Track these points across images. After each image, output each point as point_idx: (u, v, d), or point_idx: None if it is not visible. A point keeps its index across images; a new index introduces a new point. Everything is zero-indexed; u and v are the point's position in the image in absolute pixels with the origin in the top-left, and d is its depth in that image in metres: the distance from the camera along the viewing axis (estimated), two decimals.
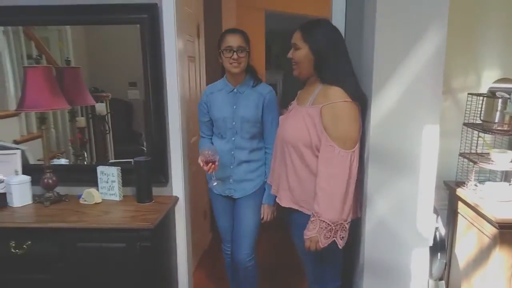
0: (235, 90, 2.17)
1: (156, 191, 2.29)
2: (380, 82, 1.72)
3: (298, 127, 1.78)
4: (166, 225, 2.23)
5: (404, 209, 1.79)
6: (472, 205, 1.98)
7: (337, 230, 1.69)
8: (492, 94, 2.04)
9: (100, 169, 2.26)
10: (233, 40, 2.07)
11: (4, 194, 2.18)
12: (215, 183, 2.18)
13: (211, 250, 3.39)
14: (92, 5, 2.19)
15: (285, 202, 1.88)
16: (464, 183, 2.16)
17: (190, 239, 2.53)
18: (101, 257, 1.96)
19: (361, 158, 1.77)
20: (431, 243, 1.83)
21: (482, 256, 1.92)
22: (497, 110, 2.00)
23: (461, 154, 2.21)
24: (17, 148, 2.35)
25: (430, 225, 1.80)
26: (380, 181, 1.78)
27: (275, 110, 2.17)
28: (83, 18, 2.25)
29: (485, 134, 2.06)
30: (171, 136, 2.32)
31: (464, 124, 2.20)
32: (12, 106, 2.45)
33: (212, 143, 2.25)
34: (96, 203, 2.21)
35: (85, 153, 2.63)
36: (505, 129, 1.98)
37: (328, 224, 1.66)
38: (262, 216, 2.22)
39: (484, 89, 2.20)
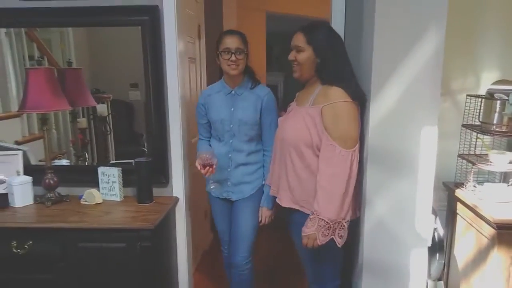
0: (233, 92, 2.15)
1: (156, 191, 2.30)
2: (379, 83, 1.73)
3: (298, 127, 1.80)
4: (166, 225, 2.24)
5: (403, 209, 1.80)
6: (471, 206, 1.99)
7: (335, 229, 1.71)
8: (490, 96, 2.05)
9: (101, 169, 2.27)
10: (231, 42, 2.05)
11: (6, 195, 2.19)
12: (212, 187, 2.18)
13: (212, 251, 3.40)
14: (94, 7, 2.20)
15: (285, 202, 1.90)
16: (463, 184, 2.16)
17: (190, 239, 2.54)
18: (102, 257, 1.97)
19: (360, 158, 1.78)
20: (429, 244, 1.84)
21: (481, 256, 1.93)
22: (495, 112, 2.00)
23: (460, 155, 2.22)
24: (19, 149, 2.36)
25: (428, 225, 1.82)
26: (379, 181, 1.80)
27: (273, 112, 2.15)
28: (85, 20, 2.26)
29: (484, 136, 2.07)
30: (171, 137, 2.33)
31: (463, 125, 2.21)
32: (14, 107, 2.46)
33: (210, 145, 2.23)
34: (97, 204, 2.22)
35: (86, 154, 2.65)
36: (504, 130, 1.99)
37: (327, 222, 1.68)
38: (260, 219, 2.20)
39: (483, 91, 2.21)
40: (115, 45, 2.52)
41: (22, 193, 2.20)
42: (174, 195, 2.37)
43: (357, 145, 1.73)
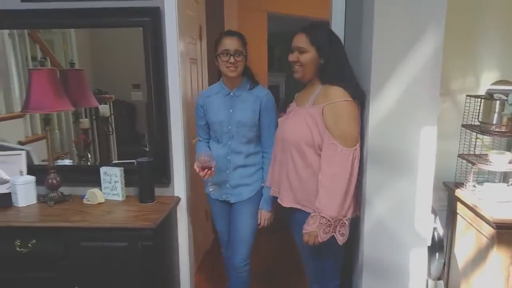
0: (231, 93, 2.13)
1: (158, 191, 2.31)
2: (378, 83, 1.74)
3: (299, 127, 1.81)
4: (168, 225, 2.25)
5: (403, 209, 1.81)
6: (471, 205, 2.00)
7: (336, 226, 1.73)
8: (490, 96, 2.05)
9: (103, 169, 2.29)
10: (230, 43, 2.01)
11: (9, 194, 2.22)
12: (211, 189, 2.17)
13: (213, 251, 3.40)
14: (95, 8, 2.22)
15: (286, 202, 1.91)
16: (463, 184, 2.17)
17: (192, 239, 2.55)
18: (104, 256, 1.99)
19: (360, 158, 1.80)
20: (429, 243, 1.85)
21: (481, 256, 1.94)
22: (495, 112, 2.01)
23: (460, 156, 2.23)
24: (22, 149, 2.38)
25: (428, 225, 1.83)
26: (378, 181, 1.81)
27: (272, 113, 2.13)
28: (87, 22, 2.28)
29: (484, 136, 2.07)
30: (173, 137, 2.34)
31: (463, 125, 2.22)
32: (17, 107, 2.48)
33: (209, 147, 2.21)
34: (99, 203, 2.23)
35: (89, 154, 2.66)
36: (503, 130, 2.00)
37: (328, 220, 1.70)
38: (259, 222, 2.18)
39: (482, 91, 2.21)
40: (117, 46, 2.53)
41: (26, 193, 2.21)
42: (176, 195, 2.39)
43: (358, 144, 1.75)
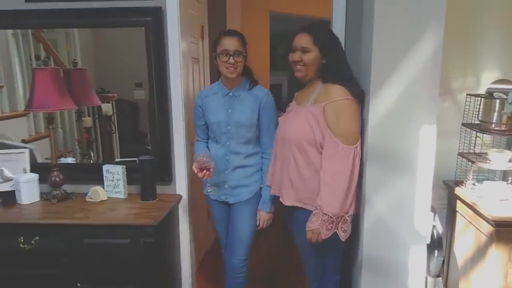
0: (230, 93, 2.11)
1: (160, 189, 2.33)
2: (378, 82, 1.76)
3: (301, 126, 1.83)
4: (169, 222, 2.27)
5: (402, 207, 1.83)
6: (470, 204, 2.00)
7: (338, 223, 1.76)
8: (490, 95, 2.06)
9: (105, 167, 2.31)
10: (229, 44, 1.99)
11: (13, 192, 2.24)
12: (210, 190, 2.16)
13: (214, 250, 3.41)
14: (98, 8, 2.24)
15: (288, 201, 1.92)
16: (463, 182, 2.18)
17: (193, 237, 2.57)
18: (106, 253, 2.01)
19: (360, 156, 1.81)
20: (428, 241, 1.86)
21: (480, 253, 1.95)
22: (494, 111, 2.01)
23: (460, 154, 2.23)
24: (26, 147, 2.40)
25: (427, 223, 1.84)
26: (378, 180, 1.82)
27: (272, 113, 2.11)
28: (90, 21, 2.30)
29: (483, 134, 2.08)
30: (174, 135, 2.36)
31: (463, 124, 2.22)
32: (21, 106, 2.51)
33: (207, 147, 2.20)
34: (101, 201, 2.25)
35: (92, 152, 2.69)
36: (503, 129, 2.00)
37: (330, 217, 1.73)
38: (258, 223, 2.16)
39: (483, 90, 2.21)
40: (120, 45, 2.55)
41: (29, 190, 2.23)
42: (177, 193, 2.41)
43: (359, 142, 1.78)
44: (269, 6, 5.43)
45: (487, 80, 2.23)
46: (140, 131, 2.73)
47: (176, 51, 2.27)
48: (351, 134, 1.75)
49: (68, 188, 2.35)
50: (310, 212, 1.82)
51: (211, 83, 3.25)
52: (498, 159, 2.01)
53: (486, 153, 2.10)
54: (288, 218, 2.02)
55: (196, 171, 2.02)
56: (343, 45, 2.13)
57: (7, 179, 2.28)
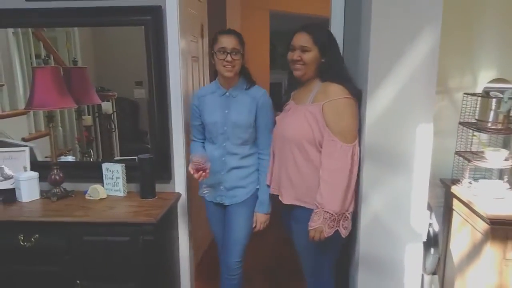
0: (227, 93, 2.08)
1: (159, 187, 2.34)
2: (375, 81, 1.77)
3: (300, 125, 1.85)
4: (168, 220, 2.28)
5: (399, 205, 1.85)
6: (466, 202, 2.02)
7: (340, 220, 1.78)
8: (486, 94, 2.08)
9: (105, 166, 2.32)
10: (227, 41, 1.97)
11: (13, 190, 2.25)
12: (206, 191, 2.12)
13: (213, 248, 3.40)
14: (98, 7, 2.25)
15: (287, 199, 1.94)
16: (459, 180, 2.20)
17: (192, 235, 2.58)
18: (106, 250, 2.02)
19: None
20: (424, 239, 1.88)
21: (475, 251, 1.96)
22: (491, 110, 2.03)
23: (457, 153, 2.25)
24: (26, 146, 2.41)
25: (423, 221, 1.86)
26: (375, 178, 1.84)
27: (269, 113, 2.08)
28: (90, 20, 2.31)
29: (480, 133, 2.10)
30: (174, 134, 2.37)
31: (460, 123, 2.24)
32: (21, 105, 2.53)
33: (204, 148, 2.18)
34: (101, 199, 2.27)
35: (91, 151, 2.70)
36: (499, 128, 2.02)
37: (332, 214, 1.75)
38: (254, 225, 2.13)
39: (480, 89, 2.23)
40: (120, 44, 2.56)
41: (29, 188, 2.24)
42: (176, 191, 2.42)
43: (357, 140, 1.80)
44: (269, 4, 5.44)
45: (484, 79, 2.24)
46: (140, 130, 2.74)
47: (175, 50, 2.28)
48: (349, 133, 1.78)
49: (68, 186, 2.36)
50: (308, 210, 1.84)
51: (210, 81, 3.26)
52: (494, 158, 2.03)
53: (482, 151, 2.11)
54: (286, 216, 2.03)
55: (192, 172, 2.00)
56: (341, 44, 2.15)
57: (8, 177, 2.30)
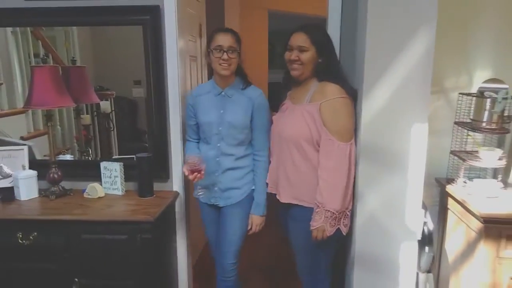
0: (223, 93, 2.04)
1: (157, 186, 2.35)
2: (371, 81, 1.80)
3: (298, 124, 1.87)
4: (166, 218, 2.29)
5: (394, 204, 1.87)
6: (460, 201, 2.04)
7: (340, 218, 1.81)
8: (481, 94, 2.10)
9: (103, 164, 2.33)
10: (223, 40, 1.94)
11: (11, 188, 2.26)
12: (200, 193, 2.11)
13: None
14: (96, 7, 2.26)
15: (285, 198, 1.96)
16: (454, 180, 2.22)
17: (190, 233, 2.59)
18: (104, 248, 2.03)
19: None
20: (419, 237, 1.90)
21: (469, 249, 1.98)
22: (485, 110, 2.05)
23: (452, 152, 2.27)
24: (24, 144, 2.42)
25: (418, 219, 1.88)
26: (370, 177, 1.86)
27: (265, 114, 2.06)
28: (88, 20, 2.32)
29: (475, 133, 2.12)
30: (172, 133, 2.38)
31: (455, 122, 2.26)
32: (20, 103, 2.53)
33: (198, 148, 2.15)
34: (99, 197, 2.27)
35: (90, 150, 2.70)
36: (493, 127, 2.04)
37: (333, 213, 1.78)
38: (249, 227, 2.11)
39: (475, 89, 2.24)
40: (119, 43, 2.56)
41: (27, 187, 2.25)
42: (174, 189, 2.42)
43: (353, 138, 1.83)
44: (267, 4, 5.45)
45: (479, 79, 2.25)
46: (138, 129, 2.74)
47: (173, 49, 2.29)
48: (346, 131, 1.81)
49: (66, 184, 2.37)
50: (306, 209, 1.87)
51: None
52: (489, 157, 2.05)
53: (477, 151, 2.13)
54: (284, 215, 2.05)
55: (186, 173, 1.98)
56: (338, 44, 2.17)
57: (6, 176, 2.31)
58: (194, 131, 2.17)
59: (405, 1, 1.73)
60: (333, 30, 2.20)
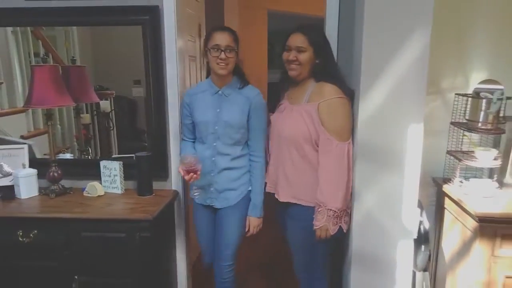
0: (220, 92, 2.02)
1: (156, 185, 2.36)
2: (367, 81, 1.81)
3: (297, 124, 1.89)
4: (165, 217, 2.30)
5: (390, 203, 1.89)
6: (456, 200, 2.06)
7: (342, 216, 1.84)
8: (476, 95, 2.11)
9: (103, 163, 2.34)
10: (221, 39, 1.91)
11: (12, 187, 2.28)
12: (196, 193, 2.09)
13: None
14: (96, 7, 2.27)
15: (283, 197, 1.98)
16: (451, 179, 2.24)
17: (189, 232, 2.60)
18: (104, 246, 2.04)
19: None
20: (415, 236, 1.92)
21: (465, 248, 2.00)
22: (481, 110, 2.06)
23: (448, 152, 2.29)
24: (25, 143, 2.43)
25: (414, 218, 1.90)
26: (367, 176, 1.88)
27: (262, 114, 2.02)
28: (88, 19, 2.33)
29: (471, 133, 2.14)
30: (171, 132, 2.39)
31: (451, 123, 2.28)
32: (20, 103, 2.54)
33: (194, 148, 2.12)
34: (99, 196, 2.28)
35: (90, 149, 2.71)
36: (489, 128, 2.05)
37: (335, 211, 1.80)
38: (247, 229, 2.08)
39: (471, 90, 2.26)
40: (118, 43, 2.58)
41: (28, 185, 2.26)
42: (173, 188, 2.44)
43: (351, 138, 1.86)
44: (267, 4, 5.46)
45: (476, 80, 2.27)
46: (138, 128, 2.75)
47: (172, 49, 2.30)
48: (344, 131, 1.84)
49: (66, 183, 2.38)
50: (304, 208, 1.89)
51: None
52: (484, 157, 2.07)
53: (473, 151, 2.15)
54: (281, 213, 2.07)
55: (182, 174, 1.96)
56: (336, 45, 2.18)
57: (7, 174, 2.32)
58: (190, 130, 2.14)
59: (402, 3, 1.75)
60: (331, 31, 2.22)
